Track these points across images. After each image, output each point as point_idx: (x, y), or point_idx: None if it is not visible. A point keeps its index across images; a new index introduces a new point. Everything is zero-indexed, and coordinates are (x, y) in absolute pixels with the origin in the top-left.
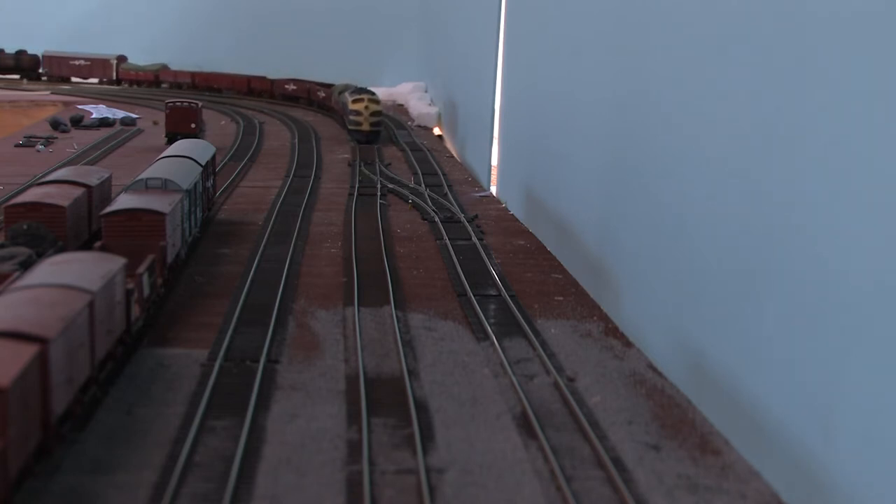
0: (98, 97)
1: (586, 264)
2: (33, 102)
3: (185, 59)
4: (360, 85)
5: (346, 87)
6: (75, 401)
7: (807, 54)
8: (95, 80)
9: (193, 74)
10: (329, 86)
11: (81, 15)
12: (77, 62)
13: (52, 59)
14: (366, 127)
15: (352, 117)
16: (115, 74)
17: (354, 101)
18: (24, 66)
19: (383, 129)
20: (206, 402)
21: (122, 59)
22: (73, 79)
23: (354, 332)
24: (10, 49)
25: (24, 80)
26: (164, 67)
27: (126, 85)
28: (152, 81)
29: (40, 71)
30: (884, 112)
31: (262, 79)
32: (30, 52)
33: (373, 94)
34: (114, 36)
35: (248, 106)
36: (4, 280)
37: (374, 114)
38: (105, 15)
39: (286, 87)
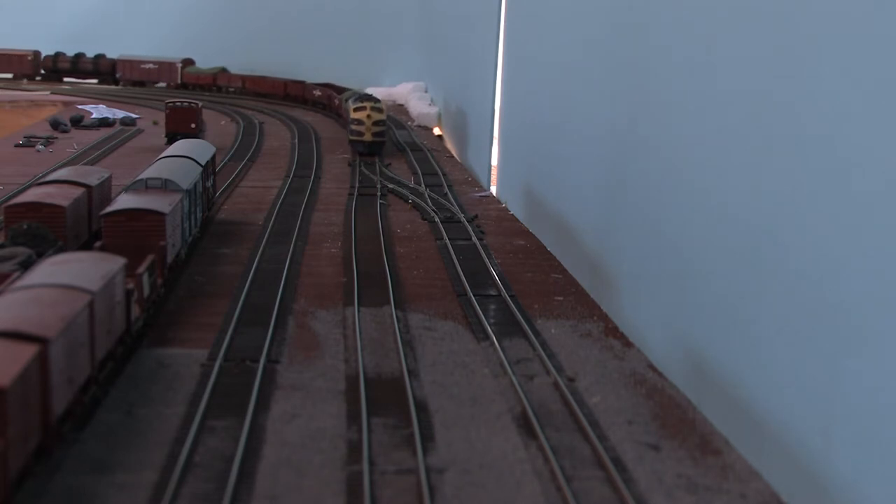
0: (98, 97)
1: (586, 264)
2: (33, 102)
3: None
4: (373, 86)
5: (352, 94)
6: (75, 401)
7: (809, 54)
8: (164, 84)
9: (244, 78)
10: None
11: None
12: (147, 66)
13: (125, 64)
14: (368, 137)
15: (353, 126)
16: (179, 78)
17: (356, 109)
18: (102, 71)
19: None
20: (206, 402)
21: (187, 62)
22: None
23: (354, 332)
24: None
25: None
26: (223, 71)
27: (190, 88)
28: (211, 85)
29: (117, 75)
30: (883, 112)
31: (299, 84)
32: (105, 56)
33: (377, 101)
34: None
35: (248, 106)
36: (4, 280)
37: (376, 123)
38: (111, 15)
39: (314, 92)
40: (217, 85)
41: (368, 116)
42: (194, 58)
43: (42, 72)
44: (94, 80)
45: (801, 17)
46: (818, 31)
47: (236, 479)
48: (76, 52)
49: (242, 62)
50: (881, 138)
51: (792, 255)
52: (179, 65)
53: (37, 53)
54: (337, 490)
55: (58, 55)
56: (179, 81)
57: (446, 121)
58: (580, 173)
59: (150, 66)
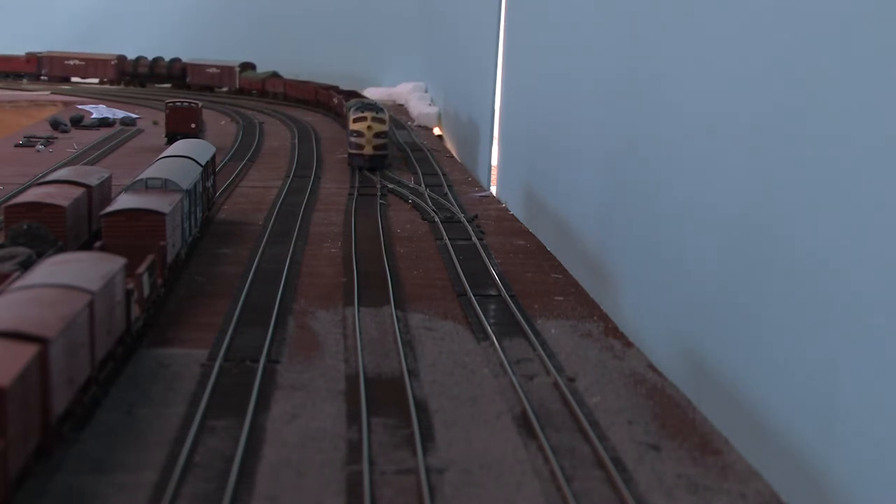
0: (98, 97)
1: (586, 264)
2: (33, 102)
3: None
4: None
5: (356, 102)
6: (75, 401)
7: (809, 46)
8: (226, 89)
9: (285, 83)
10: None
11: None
12: (211, 70)
13: (193, 68)
14: (368, 150)
15: (352, 139)
16: (237, 83)
17: (356, 120)
18: (174, 75)
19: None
20: (206, 402)
21: (245, 66)
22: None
23: (354, 332)
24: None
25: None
26: (273, 76)
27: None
28: (261, 90)
29: (187, 79)
30: (883, 112)
31: (326, 91)
32: (169, 61)
33: (380, 110)
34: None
35: (249, 106)
36: (4, 280)
37: (378, 135)
38: (112, 15)
39: (333, 99)
40: (265, 90)
41: (369, 128)
42: (185, 56)
43: (127, 77)
44: (167, 85)
45: (799, 19)
46: (816, 32)
47: (236, 479)
48: (154, 56)
49: (239, 61)
50: (880, 138)
51: (791, 254)
52: (237, 69)
53: (121, 58)
54: (337, 490)
55: (139, 59)
56: (237, 86)
57: (446, 121)
58: (580, 173)
59: (214, 70)
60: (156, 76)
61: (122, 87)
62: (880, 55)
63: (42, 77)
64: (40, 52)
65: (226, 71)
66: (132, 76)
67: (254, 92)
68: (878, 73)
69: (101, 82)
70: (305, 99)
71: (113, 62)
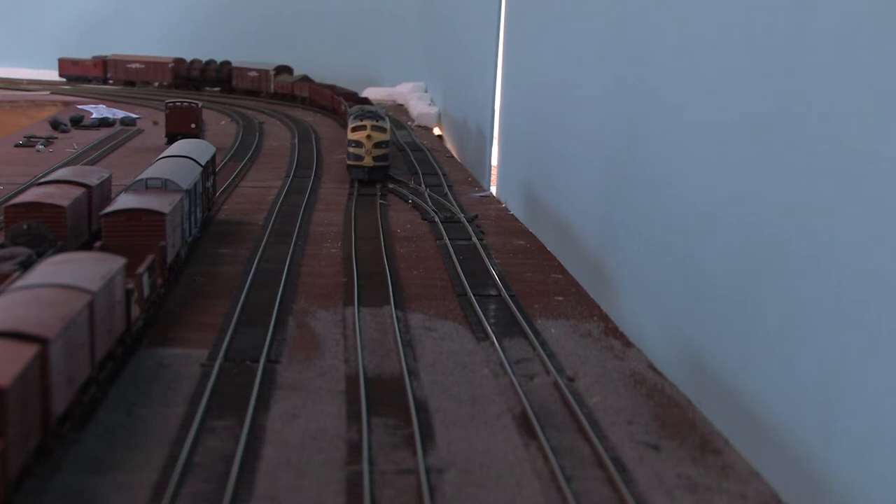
0: (98, 97)
1: (586, 264)
2: (33, 102)
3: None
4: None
5: (358, 109)
6: (75, 401)
7: (807, 50)
8: (264, 93)
9: (310, 88)
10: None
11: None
12: (251, 73)
13: (238, 71)
14: (368, 162)
15: (351, 149)
16: (272, 87)
17: (354, 129)
18: (222, 79)
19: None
20: (206, 402)
21: (280, 69)
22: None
23: (354, 332)
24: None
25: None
26: (303, 80)
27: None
28: (290, 94)
29: (233, 84)
30: (884, 112)
31: (338, 97)
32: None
33: (381, 118)
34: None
35: (249, 106)
36: (4, 280)
37: (378, 144)
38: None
39: (341, 106)
40: (294, 94)
41: (368, 137)
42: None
43: (181, 80)
44: (217, 89)
45: (799, 23)
46: (816, 37)
47: (236, 479)
48: (207, 58)
49: (239, 60)
50: (880, 139)
51: (791, 255)
52: (272, 73)
53: (178, 61)
54: (337, 490)
55: (192, 63)
56: (272, 90)
57: (446, 121)
58: (580, 173)
59: (254, 73)
60: (206, 79)
61: (179, 92)
62: (881, 57)
63: (108, 81)
64: (106, 56)
65: (263, 75)
66: (186, 79)
67: (279, 96)
68: (878, 75)
69: (160, 86)
70: (325, 104)
71: (170, 65)
